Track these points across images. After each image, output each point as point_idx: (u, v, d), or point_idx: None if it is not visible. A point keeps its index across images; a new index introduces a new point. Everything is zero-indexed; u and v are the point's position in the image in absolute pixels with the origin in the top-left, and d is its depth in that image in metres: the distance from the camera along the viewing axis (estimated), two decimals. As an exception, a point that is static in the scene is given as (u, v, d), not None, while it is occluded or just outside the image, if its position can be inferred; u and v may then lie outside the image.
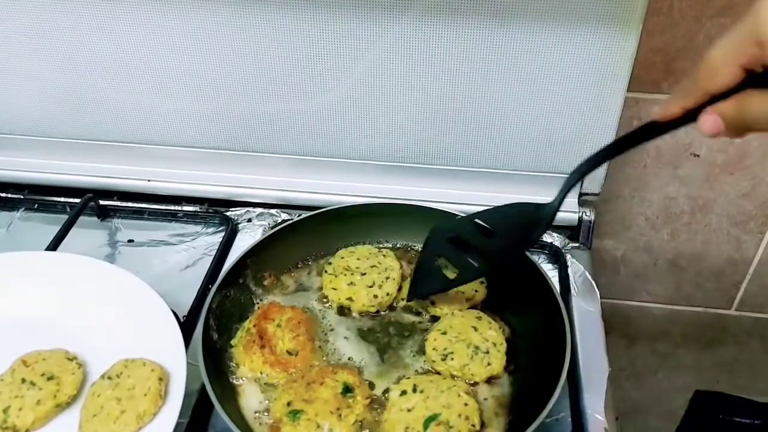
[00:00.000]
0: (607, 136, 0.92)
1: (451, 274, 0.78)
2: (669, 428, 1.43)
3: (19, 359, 0.73)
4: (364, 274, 0.84)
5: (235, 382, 0.74)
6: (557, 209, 0.72)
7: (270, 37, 0.88)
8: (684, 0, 0.88)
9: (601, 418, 0.74)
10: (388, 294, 0.82)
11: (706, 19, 0.89)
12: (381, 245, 0.93)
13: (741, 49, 0.48)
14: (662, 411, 1.44)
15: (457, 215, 0.86)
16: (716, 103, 0.51)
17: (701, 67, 0.51)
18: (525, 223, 0.75)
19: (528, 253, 0.83)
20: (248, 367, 0.74)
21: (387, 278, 0.84)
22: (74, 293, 0.81)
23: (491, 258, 0.76)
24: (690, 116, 0.54)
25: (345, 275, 0.84)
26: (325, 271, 0.86)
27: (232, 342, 0.77)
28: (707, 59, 0.51)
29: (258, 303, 0.83)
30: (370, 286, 0.82)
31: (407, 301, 0.83)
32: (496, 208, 0.78)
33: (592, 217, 0.98)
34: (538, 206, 0.74)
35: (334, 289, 0.83)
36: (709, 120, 0.52)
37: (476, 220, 0.78)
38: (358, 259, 0.87)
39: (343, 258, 0.87)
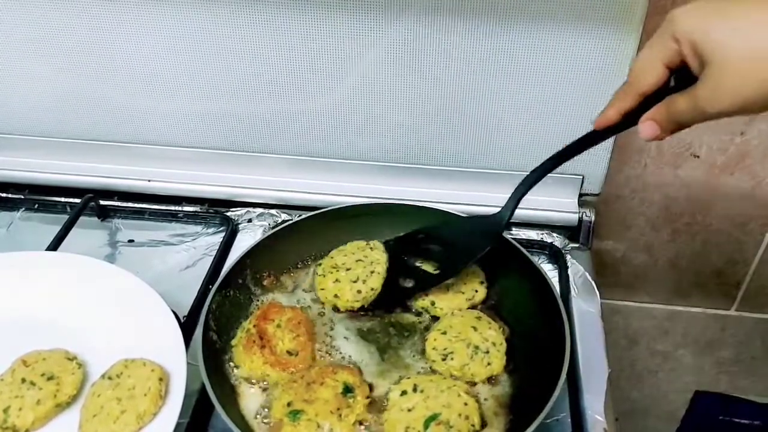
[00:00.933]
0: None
1: (408, 283, 0.82)
2: (669, 429, 1.43)
3: (19, 359, 0.73)
4: (349, 269, 0.83)
5: (235, 382, 0.74)
6: (508, 219, 0.78)
7: (270, 37, 0.88)
8: (684, 1, 0.88)
9: (600, 419, 0.74)
10: (372, 289, 0.82)
11: (706, 19, 0.89)
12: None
13: (661, 47, 0.56)
14: (662, 411, 1.44)
15: (455, 214, 0.88)
16: (649, 110, 0.58)
17: (631, 71, 0.59)
18: (478, 233, 0.80)
19: (528, 254, 0.83)
20: (248, 368, 0.74)
21: (372, 272, 0.83)
22: (74, 293, 0.81)
23: (445, 266, 0.81)
24: (628, 121, 0.61)
25: (332, 273, 0.83)
26: (316, 273, 0.85)
27: (232, 342, 0.77)
28: (635, 63, 0.58)
29: (257, 303, 0.83)
30: (354, 281, 0.82)
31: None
32: (447, 223, 0.85)
33: (592, 218, 0.98)
34: (489, 216, 0.80)
35: (322, 289, 0.83)
36: (646, 126, 0.58)
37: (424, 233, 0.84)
38: (345, 255, 0.86)
39: (332, 257, 0.86)
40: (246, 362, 0.74)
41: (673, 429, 1.43)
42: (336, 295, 0.82)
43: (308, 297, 0.85)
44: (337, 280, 0.82)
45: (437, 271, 0.82)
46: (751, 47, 0.50)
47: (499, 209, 0.79)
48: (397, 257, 0.85)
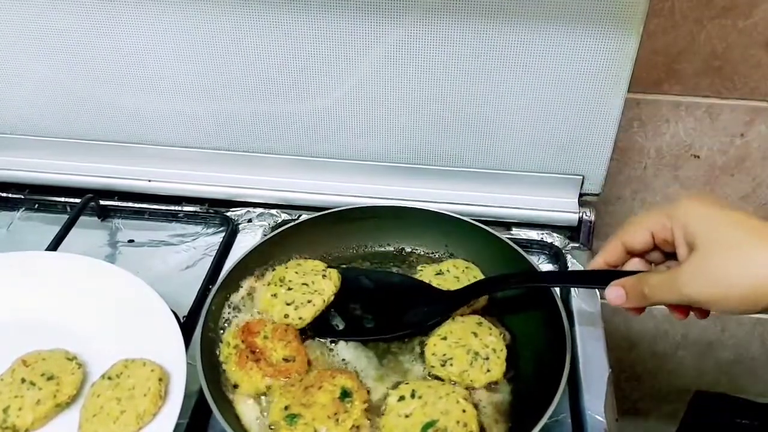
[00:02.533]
0: (607, 137, 0.92)
1: (340, 324, 0.80)
2: (669, 429, 1.43)
3: (19, 359, 0.73)
4: (290, 289, 0.81)
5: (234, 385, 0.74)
6: (456, 307, 0.78)
7: (270, 38, 0.88)
8: (685, 1, 0.88)
9: (601, 419, 0.74)
10: (300, 318, 0.78)
11: (707, 20, 0.89)
12: (370, 248, 0.92)
13: (654, 217, 0.61)
14: (662, 412, 1.44)
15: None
16: (621, 278, 0.61)
17: (622, 227, 0.64)
18: (425, 305, 0.79)
19: (527, 255, 0.83)
20: (248, 385, 0.72)
21: (308, 302, 0.79)
22: (74, 293, 0.81)
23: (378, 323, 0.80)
24: (602, 279, 0.64)
25: (275, 285, 0.81)
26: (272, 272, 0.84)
27: (221, 359, 0.75)
28: (628, 221, 0.63)
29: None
30: (288, 304, 0.79)
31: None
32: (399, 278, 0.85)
33: (593, 218, 0.98)
34: (442, 294, 0.80)
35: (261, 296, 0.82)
36: (612, 290, 0.61)
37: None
38: (296, 273, 0.83)
39: (287, 268, 0.84)
40: (244, 380, 0.72)
41: (673, 429, 1.43)
42: (266, 310, 0.80)
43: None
44: (274, 295, 0.80)
45: (370, 324, 0.80)
46: (745, 253, 0.52)
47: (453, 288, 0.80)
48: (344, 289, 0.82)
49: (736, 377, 1.35)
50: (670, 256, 0.63)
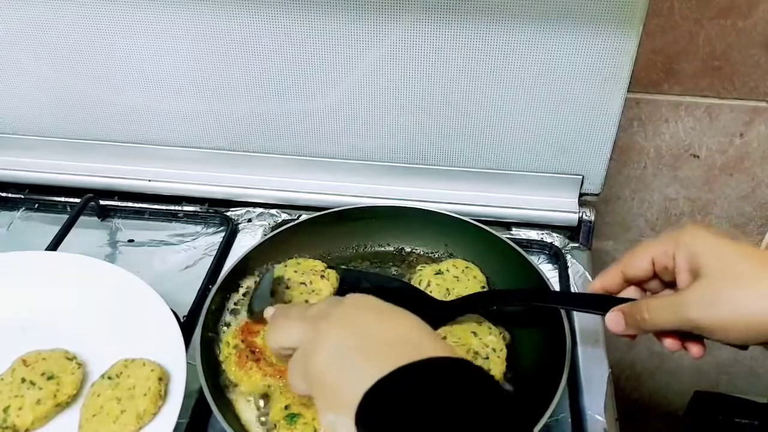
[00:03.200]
0: (607, 137, 0.92)
1: None
2: (669, 429, 1.43)
3: (19, 359, 0.73)
4: (288, 288, 0.81)
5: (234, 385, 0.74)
6: (453, 316, 0.76)
7: (270, 37, 0.89)
8: (684, 1, 0.88)
9: (600, 419, 0.74)
10: None
11: (706, 20, 0.89)
12: (370, 247, 0.92)
13: (659, 245, 0.60)
14: (662, 412, 1.44)
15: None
16: (622, 304, 0.61)
17: (625, 254, 0.63)
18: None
19: (528, 255, 0.83)
20: (248, 384, 0.72)
21: (305, 302, 0.79)
22: (74, 293, 0.81)
23: None
24: (600, 306, 0.64)
25: (274, 284, 0.81)
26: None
27: (221, 358, 0.75)
28: (633, 249, 0.63)
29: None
30: (286, 301, 0.79)
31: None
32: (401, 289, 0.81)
33: (592, 218, 0.98)
34: (439, 304, 0.78)
35: None
36: (612, 317, 0.61)
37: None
38: (295, 272, 0.83)
39: (286, 266, 0.84)
40: (244, 379, 0.72)
41: (672, 429, 1.43)
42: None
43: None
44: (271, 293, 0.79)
45: None
46: (753, 284, 0.52)
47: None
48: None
49: (736, 377, 1.35)
50: (669, 285, 0.62)
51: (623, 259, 0.63)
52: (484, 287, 0.84)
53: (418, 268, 0.87)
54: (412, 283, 0.84)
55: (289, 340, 0.55)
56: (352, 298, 0.55)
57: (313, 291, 0.81)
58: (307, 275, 0.83)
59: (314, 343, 0.51)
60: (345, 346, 0.49)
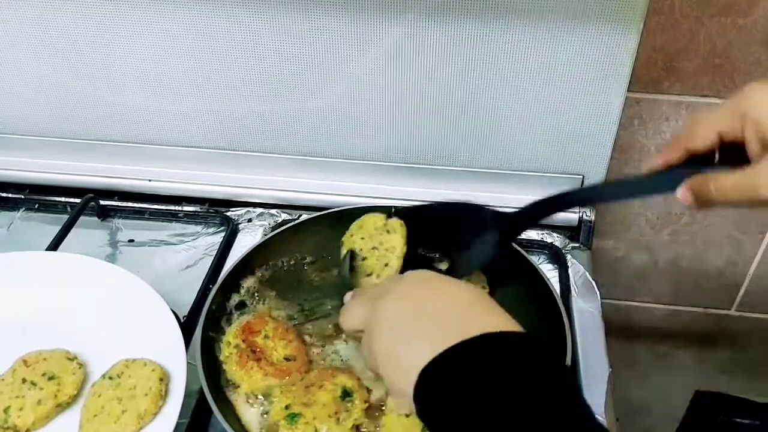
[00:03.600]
0: (607, 136, 0.92)
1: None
2: (669, 429, 1.43)
3: (19, 359, 0.73)
4: (364, 259, 0.78)
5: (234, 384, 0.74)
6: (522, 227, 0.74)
7: (270, 36, 0.88)
8: None
9: (601, 419, 0.74)
10: None
11: (707, 18, 0.89)
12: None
13: (724, 117, 0.54)
14: (662, 411, 1.44)
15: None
16: (690, 180, 0.57)
17: (686, 126, 0.59)
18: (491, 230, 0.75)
19: (528, 255, 0.83)
20: (248, 384, 0.72)
21: (386, 265, 0.76)
22: (74, 293, 0.81)
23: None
24: (667, 183, 0.60)
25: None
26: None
27: (221, 358, 0.75)
28: (692, 120, 0.58)
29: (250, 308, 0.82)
30: (369, 275, 0.76)
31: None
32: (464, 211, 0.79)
33: (593, 218, 0.98)
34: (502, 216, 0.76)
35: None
36: (683, 192, 0.58)
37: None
38: (363, 238, 0.80)
39: (352, 236, 0.81)
40: (245, 379, 0.72)
41: (673, 429, 1.43)
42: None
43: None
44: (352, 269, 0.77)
45: (443, 266, 0.79)
46: None
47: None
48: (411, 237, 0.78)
49: (736, 377, 1.35)
50: (729, 158, 0.57)
51: (687, 135, 0.58)
52: (484, 287, 0.84)
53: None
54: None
55: (354, 322, 0.56)
56: (410, 274, 0.55)
57: (386, 251, 0.77)
58: (375, 237, 0.78)
59: (374, 323, 0.51)
60: (401, 322, 0.50)
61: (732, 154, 0.55)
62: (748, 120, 0.52)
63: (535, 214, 0.74)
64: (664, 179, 0.60)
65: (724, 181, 0.54)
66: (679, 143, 0.58)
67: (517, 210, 0.74)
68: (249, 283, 0.83)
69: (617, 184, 0.65)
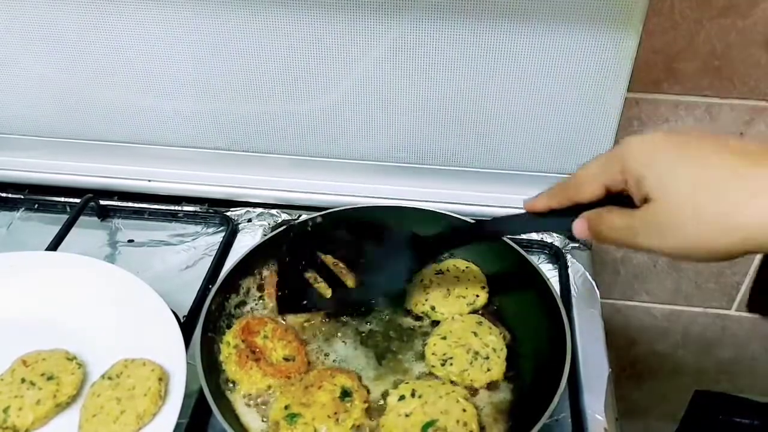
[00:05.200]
0: (607, 136, 0.92)
1: (325, 291, 0.79)
2: (669, 428, 1.43)
3: (19, 359, 0.73)
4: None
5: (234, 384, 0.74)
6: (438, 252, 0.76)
7: (269, 37, 0.88)
8: (684, 1, 0.88)
9: (601, 419, 0.74)
10: None
11: (706, 20, 0.89)
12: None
13: (607, 173, 0.55)
14: (662, 411, 1.44)
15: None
16: (585, 212, 0.58)
17: (571, 180, 0.59)
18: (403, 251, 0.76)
19: (528, 255, 0.83)
20: (248, 384, 0.72)
21: None
22: (74, 293, 0.81)
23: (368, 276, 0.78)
24: (558, 216, 0.61)
25: None
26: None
27: (221, 358, 0.75)
28: (577, 174, 0.58)
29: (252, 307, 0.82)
30: None
31: (278, 313, 0.80)
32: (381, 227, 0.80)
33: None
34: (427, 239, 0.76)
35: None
36: (578, 224, 0.59)
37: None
38: None
39: None
40: (244, 379, 0.72)
41: (673, 428, 1.43)
42: None
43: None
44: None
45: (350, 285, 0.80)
46: (698, 207, 0.48)
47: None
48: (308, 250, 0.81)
49: (736, 377, 1.35)
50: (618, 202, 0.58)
51: (571, 186, 0.59)
52: (484, 287, 0.84)
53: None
54: (413, 281, 0.83)
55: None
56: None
57: None
58: None
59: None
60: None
61: (620, 200, 0.56)
62: (628, 173, 0.53)
63: (449, 242, 0.76)
64: (560, 221, 0.61)
65: (611, 223, 0.55)
66: (566, 193, 0.59)
67: (433, 234, 0.76)
68: (248, 283, 0.83)
69: (519, 219, 0.66)
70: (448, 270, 0.85)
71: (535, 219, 0.63)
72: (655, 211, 0.51)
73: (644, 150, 0.53)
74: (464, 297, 0.82)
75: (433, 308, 0.81)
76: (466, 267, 0.86)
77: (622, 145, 0.54)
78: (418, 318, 0.82)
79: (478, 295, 0.83)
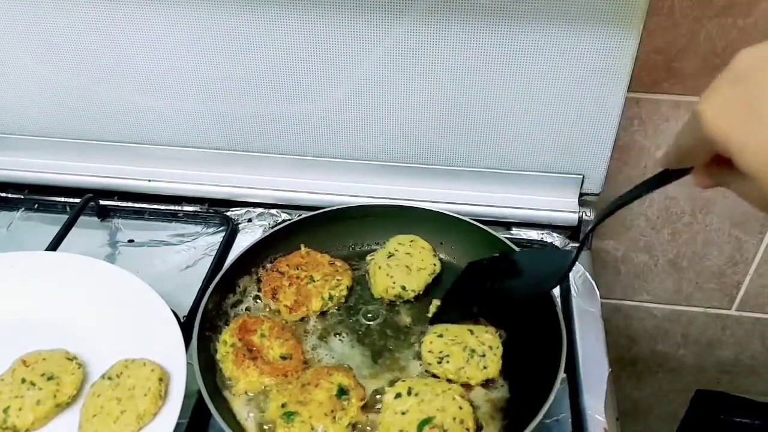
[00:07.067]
0: (607, 136, 0.92)
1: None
2: (669, 428, 1.43)
3: (19, 359, 0.73)
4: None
5: (230, 383, 0.74)
6: (576, 259, 0.74)
7: (271, 37, 0.88)
8: (685, 0, 0.88)
9: (601, 419, 0.74)
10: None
11: (706, 19, 0.89)
12: (367, 246, 0.92)
13: (702, 145, 0.48)
14: (663, 411, 1.44)
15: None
16: (701, 169, 0.52)
17: (679, 152, 0.53)
18: (548, 271, 0.77)
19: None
20: (245, 382, 0.72)
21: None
22: (74, 293, 0.81)
23: (513, 300, 0.79)
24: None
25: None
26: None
27: (218, 357, 0.75)
28: (679, 147, 0.52)
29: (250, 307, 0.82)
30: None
31: (430, 323, 0.81)
32: (529, 252, 0.84)
33: (593, 218, 0.98)
34: (562, 254, 0.80)
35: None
36: (698, 181, 0.53)
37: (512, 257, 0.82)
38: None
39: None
40: (241, 377, 0.72)
41: (673, 428, 1.43)
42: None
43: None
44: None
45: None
46: None
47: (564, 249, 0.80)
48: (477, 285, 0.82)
49: (736, 376, 1.35)
50: None
51: (684, 157, 0.52)
52: (435, 254, 0.87)
53: (368, 258, 0.89)
54: (368, 270, 0.86)
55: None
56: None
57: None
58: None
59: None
60: None
61: None
62: (714, 147, 0.46)
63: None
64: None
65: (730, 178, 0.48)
66: (683, 162, 0.54)
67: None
68: (246, 282, 0.83)
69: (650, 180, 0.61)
70: (396, 250, 0.87)
71: (667, 174, 0.58)
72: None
73: (719, 118, 0.44)
74: (424, 269, 0.84)
75: (404, 288, 0.83)
76: (411, 241, 0.88)
77: (697, 117, 0.46)
78: (391, 303, 0.83)
79: (435, 264, 0.85)
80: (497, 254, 0.84)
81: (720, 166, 0.49)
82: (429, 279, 0.84)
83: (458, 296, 0.81)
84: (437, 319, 0.80)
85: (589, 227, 0.74)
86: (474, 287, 0.82)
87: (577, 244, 0.98)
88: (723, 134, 0.44)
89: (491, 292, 0.80)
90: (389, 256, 0.86)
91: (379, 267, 0.85)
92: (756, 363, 1.32)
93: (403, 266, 0.84)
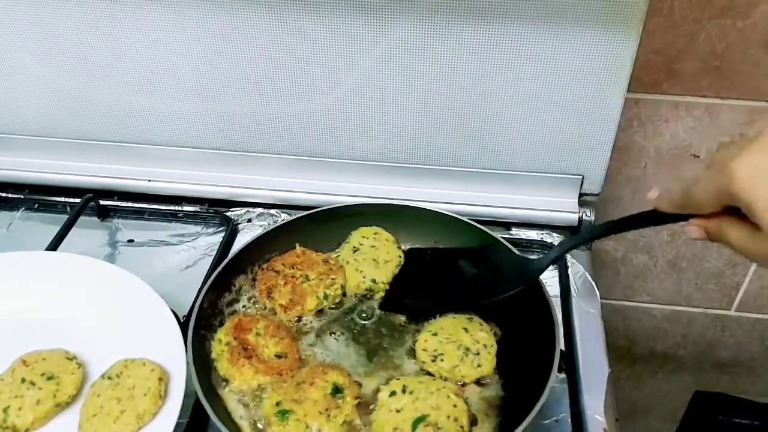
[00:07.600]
0: (606, 137, 0.92)
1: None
2: (669, 429, 1.43)
3: (19, 359, 0.73)
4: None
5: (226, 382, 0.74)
6: (542, 271, 0.75)
7: (270, 38, 0.89)
8: (684, 1, 0.88)
9: (600, 419, 0.74)
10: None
11: (706, 20, 0.89)
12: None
13: (719, 197, 0.52)
14: (662, 412, 1.44)
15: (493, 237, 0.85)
16: (702, 219, 0.56)
17: (687, 200, 0.56)
18: (507, 273, 0.78)
19: (525, 253, 0.83)
20: (240, 381, 0.72)
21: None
22: (74, 293, 0.81)
23: (467, 296, 0.80)
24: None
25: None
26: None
27: (213, 356, 0.75)
28: (693, 194, 0.55)
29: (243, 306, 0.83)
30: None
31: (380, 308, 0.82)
32: (486, 248, 0.83)
33: (592, 218, 0.98)
34: (526, 261, 0.79)
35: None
36: (695, 230, 0.57)
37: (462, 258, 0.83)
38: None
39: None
40: (236, 376, 0.72)
41: (673, 429, 1.43)
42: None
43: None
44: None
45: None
46: None
47: (538, 256, 0.79)
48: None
49: (735, 377, 1.35)
50: None
51: (692, 204, 0.55)
52: (399, 246, 0.87)
53: (334, 254, 0.88)
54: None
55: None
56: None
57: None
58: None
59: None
60: None
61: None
62: (738, 202, 0.50)
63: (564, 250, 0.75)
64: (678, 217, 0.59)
65: (730, 235, 0.53)
66: (688, 207, 0.56)
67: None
68: (241, 281, 0.84)
69: (634, 216, 0.65)
70: (361, 244, 0.87)
71: (656, 216, 0.61)
72: None
73: (746, 173, 0.49)
74: (390, 261, 0.85)
75: (374, 281, 0.83)
76: (375, 233, 0.88)
77: (725, 172, 0.50)
78: (364, 298, 0.84)
79: (399, 256, 0.86)
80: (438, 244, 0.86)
81: (721, 220, 0.54)
82: (396, 270, 0.85)
83: (403, 285, 0.83)
84: (387, 305, 0.82)
85: (563, 250, 0.75)
86: (413, 277, 0.84)
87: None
88: (755, 194, 0.48)
89: (435, 283, 0.82)
90: (355, 251, 0.86)
91: (347, 263, 0.85)
92: (755, 364, 1.32)
93: (371, 260, 0.85)
